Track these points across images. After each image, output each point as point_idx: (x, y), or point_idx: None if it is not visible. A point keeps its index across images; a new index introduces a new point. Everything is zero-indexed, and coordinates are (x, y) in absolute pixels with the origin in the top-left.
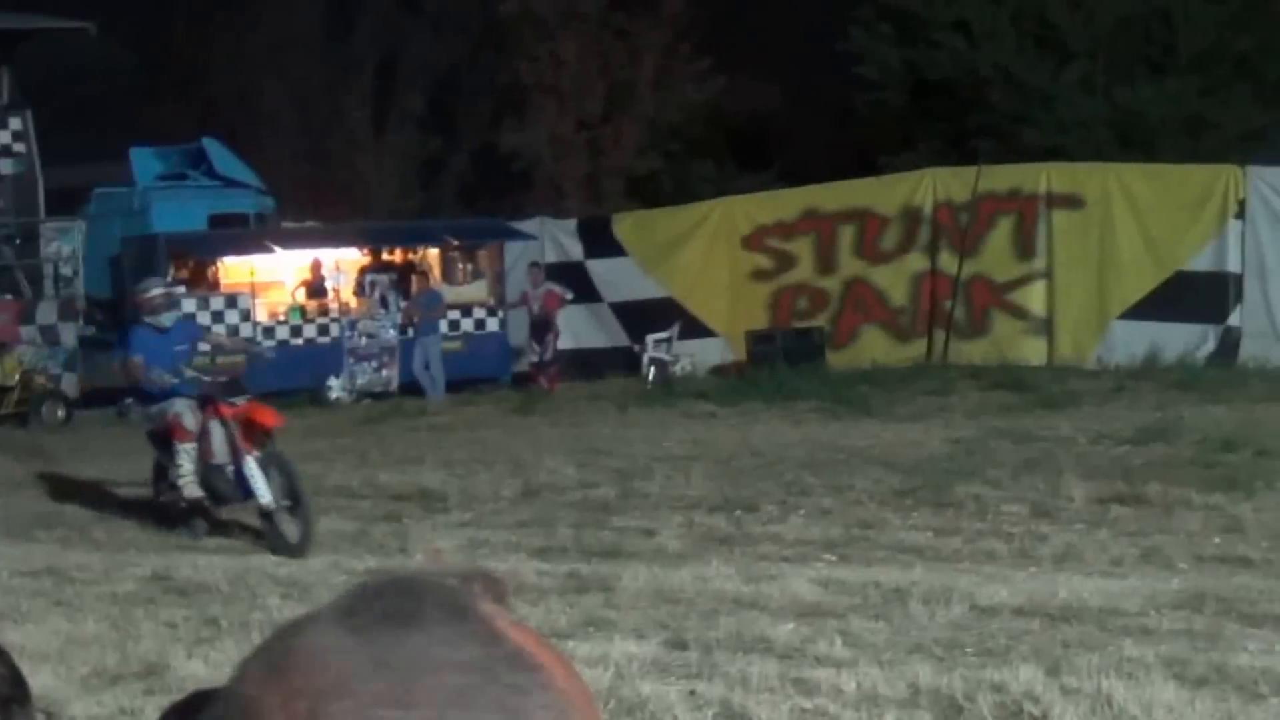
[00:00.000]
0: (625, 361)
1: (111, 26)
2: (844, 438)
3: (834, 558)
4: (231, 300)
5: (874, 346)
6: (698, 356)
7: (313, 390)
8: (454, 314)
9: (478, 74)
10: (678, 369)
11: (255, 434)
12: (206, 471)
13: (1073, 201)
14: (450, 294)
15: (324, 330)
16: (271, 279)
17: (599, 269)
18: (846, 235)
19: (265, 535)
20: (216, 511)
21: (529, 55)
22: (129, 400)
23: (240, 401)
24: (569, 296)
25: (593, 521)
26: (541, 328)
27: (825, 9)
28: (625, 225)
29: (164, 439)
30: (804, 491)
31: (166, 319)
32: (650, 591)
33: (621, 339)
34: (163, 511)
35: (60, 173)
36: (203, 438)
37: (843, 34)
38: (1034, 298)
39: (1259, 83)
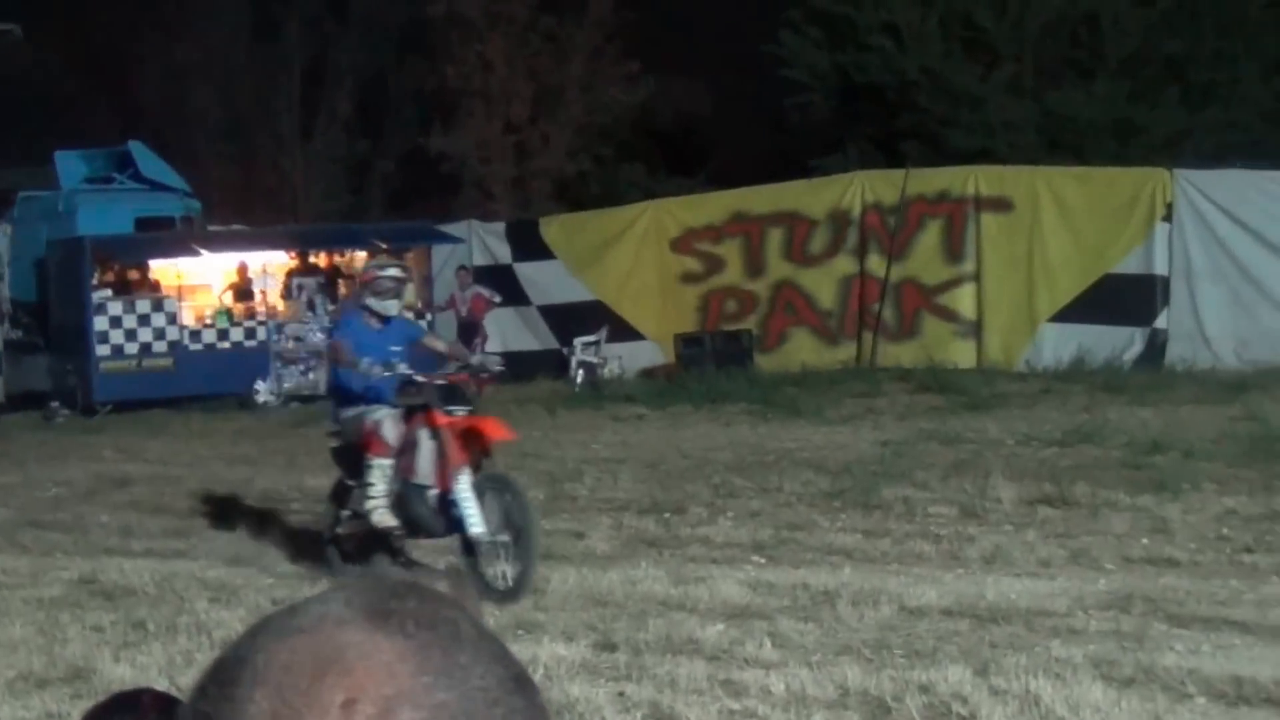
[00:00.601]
0: (554, 364)
1: (37, 29)
2: (773, 440)
3: (763, 560)
4: (158, 304)
5: (803, 349)
6: (626, 359)
7: (240, 394)
8: None
9: (405, 77)
10: (606, 372)
11: (472, 449)
12: (404, 493)
13: (1001, 204)
14: None
15: (251, 334)
16: (198, 282)
17: (527, 272)
18: (775, 238)
19: (469, 573)
20: (407, 547)
21: (456, 58)
22: (55, 404)
23: (461, 412)
24: (497, 300)
25: None
26: (469, 331)
27: (754, 12)
28: (553, 228)
29: (352, 457)
30: (733, 494)
31: (392, 306)
32: (579, 594)
33: (550, 342)
34: (334, 549)
35: None
36: (403, 452)
37: (772, 37)
38: (963, 301)
39: (1186, 86)
